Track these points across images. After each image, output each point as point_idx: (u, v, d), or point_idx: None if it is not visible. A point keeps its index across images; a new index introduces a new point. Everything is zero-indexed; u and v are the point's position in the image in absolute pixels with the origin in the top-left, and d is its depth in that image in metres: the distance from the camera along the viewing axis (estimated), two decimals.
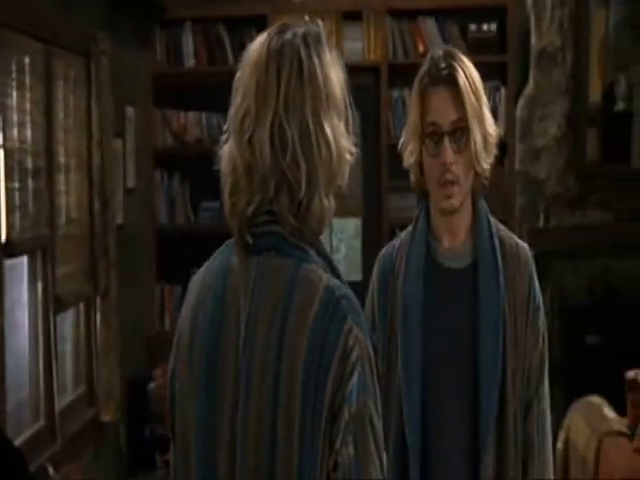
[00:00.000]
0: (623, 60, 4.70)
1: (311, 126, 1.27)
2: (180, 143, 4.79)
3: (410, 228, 1.83)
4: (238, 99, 1.30)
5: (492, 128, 1.75)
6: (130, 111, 4.29)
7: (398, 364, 1.71)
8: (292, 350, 1.23)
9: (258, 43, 1.31)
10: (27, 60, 3.09)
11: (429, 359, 1.72)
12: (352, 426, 1.21)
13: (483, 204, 1.80)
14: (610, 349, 4.52)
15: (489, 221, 1.79)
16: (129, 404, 4.05)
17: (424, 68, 1.75)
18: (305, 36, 1.30)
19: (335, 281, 1.27)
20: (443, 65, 1.71)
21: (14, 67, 2.98)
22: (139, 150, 4.42)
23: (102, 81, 3.62)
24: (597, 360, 4.49)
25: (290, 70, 1.28)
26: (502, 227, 1.83)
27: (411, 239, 1.79)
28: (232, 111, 1.31)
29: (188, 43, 4.77)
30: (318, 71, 1.29)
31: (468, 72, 1.72)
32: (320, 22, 1.34)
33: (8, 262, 2.89)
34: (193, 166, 4.63)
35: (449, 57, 1.73)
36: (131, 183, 4.31)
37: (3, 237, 2.83)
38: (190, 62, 4.75)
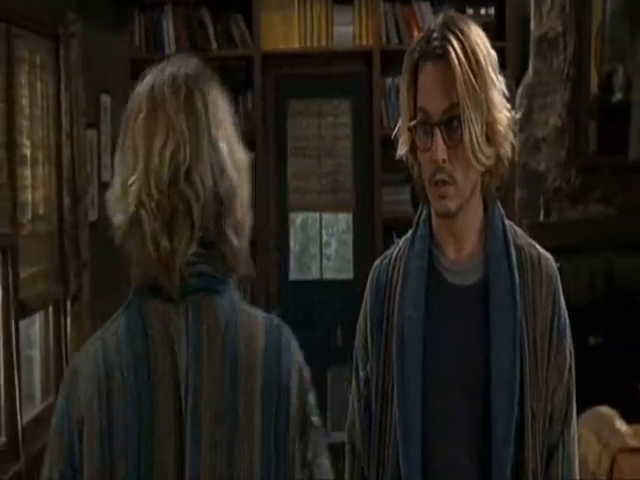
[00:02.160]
0: (620, 50, 4.53)
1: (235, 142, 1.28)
2: None
3: (409, 235, 1.54)
4: (159, 141, 1.21)
5: (502, 113, 1.46)
6: (106, 100, 4.04)
7: (394, 403, 1.43)
8: (247, 400, 1.15)
9: (145, 85, 1.27)
10: None
11: (431, 397, 1.43)
12: None
13: (497, 207, 1.51)
14: (614, 350, 4.33)
15: (504, 227, 1.49)
16: None
17: (416, 39, 1.46)
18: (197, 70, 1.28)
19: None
20: (436, 36, 1.42)
21: None
22: (116, 141, 4.17)
23: (72, 67, 3.37)
24: (601, 362, 4.30)
25: (203, 96, 1.24)
26: (521, 233, 1.53)
27: (410, 248, 1.50)
28: (132, 162, 1.24)
29: (169, 27, 4.54)
30: (220, 102, 1.27)
31: (468, 44, 1.41)
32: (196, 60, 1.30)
33: None
34: None
35: (446, 27, 1.42)
36: (107, 177, 4.06)
37: None
38: (171, 48, 4.51)
